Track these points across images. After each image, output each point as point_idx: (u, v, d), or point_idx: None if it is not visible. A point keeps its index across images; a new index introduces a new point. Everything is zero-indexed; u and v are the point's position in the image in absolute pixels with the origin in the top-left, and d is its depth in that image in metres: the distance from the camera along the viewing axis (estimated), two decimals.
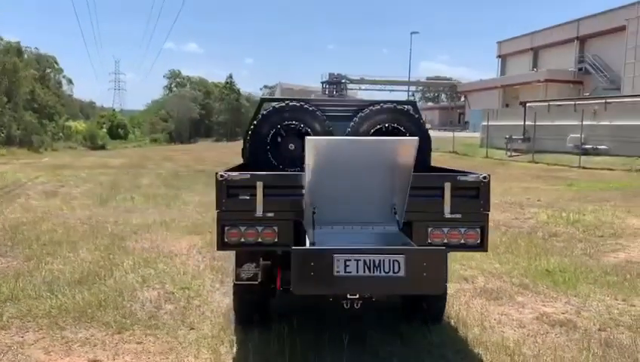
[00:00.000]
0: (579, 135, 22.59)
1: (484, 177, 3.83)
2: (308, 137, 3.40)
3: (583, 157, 21.75)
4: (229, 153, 44.83)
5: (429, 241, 3.78)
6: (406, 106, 5.26)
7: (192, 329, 4.86)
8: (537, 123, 24.96)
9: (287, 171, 4.90)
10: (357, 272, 2.87)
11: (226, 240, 3.82)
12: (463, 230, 3.80)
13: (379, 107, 5.20)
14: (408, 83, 59.83)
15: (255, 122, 5.19)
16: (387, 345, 4.45)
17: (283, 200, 3.81)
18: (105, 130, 66.63)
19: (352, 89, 64.44)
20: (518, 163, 24.84)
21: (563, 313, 5.31)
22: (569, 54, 47.68)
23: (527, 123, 25.62)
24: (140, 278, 6.30)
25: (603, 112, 22.65)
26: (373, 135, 5.15)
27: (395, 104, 5.24)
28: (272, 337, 4.45)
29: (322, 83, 64.07)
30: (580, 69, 46.59)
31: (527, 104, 27.58)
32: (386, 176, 3.50)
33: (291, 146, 5.20)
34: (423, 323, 4.80)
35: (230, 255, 7.46)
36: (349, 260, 2.88)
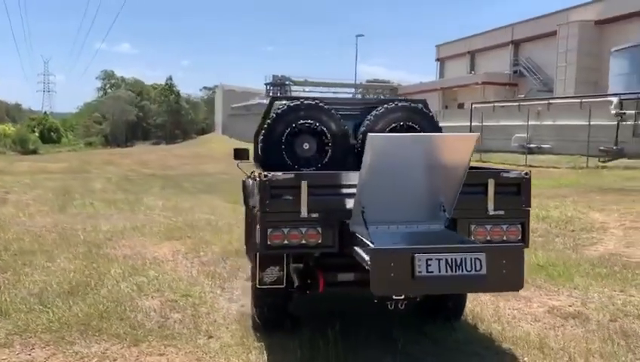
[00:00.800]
0: (524, 135, 23.51)
1: (526, 173, 3.87)
2: (370, 134, 3.30)
3: (529, 156, 22.65)
4: (170, 156, 43.96)
5: (473, 239, 3.77)
6: (419, 104, 5.26)
7: (211, 337, 4.65)
8: (484, 123, 25.79)
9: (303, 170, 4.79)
10: (439, 272, 2.81)
11: (269, 242, 3.66)
12: (505, 226, 3.82)
13: (394, 105, 5.17)
14: (355, 85, 60.43)
15: (269, 121, 5.03)
16: (416, 344, 4.41)
17: (328, 200, 3.69)
18: (37, 133, 63.40)
19: (296, 91, 64.29)
20: None
21: (570, 306, 5.45)
22: (504, 57, 49.54)
23: (473, 123, 26.41)
24: (134, 287, 5.98)
25: (546, 112, 23.71)
26: (387, 133, 5.11)
27: (409, 102, 5.22)
28: (298, 341, 4.32)
29: (266, 85, 63.58)
30: (515, 72, 48.47)
31: (473, 105, 28.47)
32: (437, 173, 3.46)
33: (306, 146, 5.09)
34: (445, 321, 4.81)
35: (219, 259, 7.36)
36: (431, 259, 2.80)
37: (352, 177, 3.80)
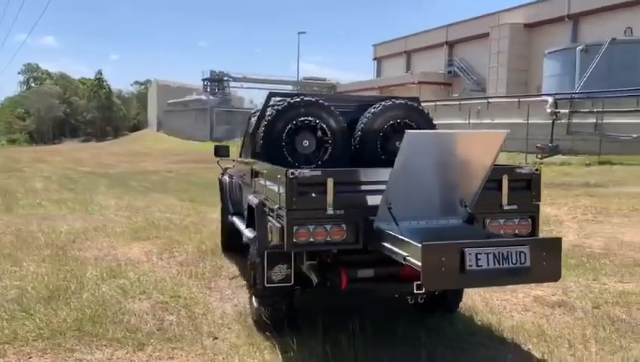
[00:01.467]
0: None
1: (537, 169, 4.03)
2: (408, 131, 3.32)
3: None
4: (104, 154, 42.45)
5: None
6: (415, 102, 5.35)
7: (216, 338, 4.55)
8: None
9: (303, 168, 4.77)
10: (487, 265, 2.88)
11: (295, 240, 3.62)
12: (517, 221, 3.96)
13: (391, 103, 5.23)
14: (297, 82, 60.33)
15: (269, 117, 4.95)
16: (422, 337, 4.48)
17: (353, 197, 3.70)
18: None
19: (234, 87, 63.57)
20: None
21: (553, 295, 5.72)
22: (439, 58, 51.11)
23: None
24: (117, 289, 5.74)
25: (485, 111, 24.67)
26: (385, 130, 5.17)
27: (405, 100, 5.30)
28: (306, 338, 4.31)
29: (203, 80, 62.36)
30: (450, 72, 50.12)
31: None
32: (464, 168, 3.54)
33: (305, 143, 5.05)
34: (443, 314, 4.93)
35: (196, 259, 7.18)
36: (480, 253, 2.87)
37: (376, 174, 3.82)
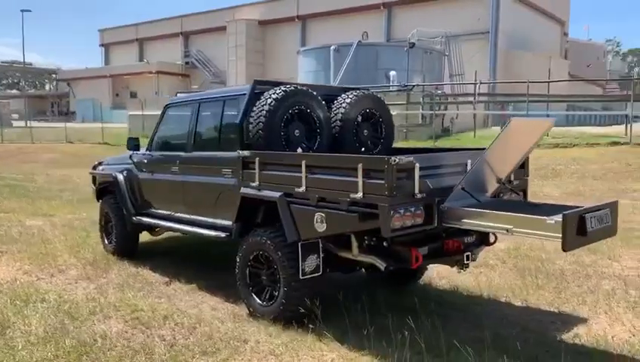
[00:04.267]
0: None
1: None
2: (514, 118, 3.72)
3: None
4: None
5: None
6: (377, 94, 5.75)
7: (246, 342, 4.28)
8: None
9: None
10: (596, 226, 3.55)
11: (392, 226, 3.74)
12: (513, 195, 4.76)
13: (362, 93, 5.53)
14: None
15: (268, 106, 4.77)
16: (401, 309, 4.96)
17: (431, 181, 3.97)
18: None
19: None
20: None
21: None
22: (175, 48, 50.48)
23: None
24: (62, 315, 4.78)
25: None
26: (357, 119, 5.47)
27: (371, 92, 5.66)
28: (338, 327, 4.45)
29: None
30: (187, 63, 49.99)
31: (178, 94, 28.41)
32: (518, 151, 4.12)
33: (297, 132, 5.03)
34: (405, 286, 5.56)
35: (97, 268, 6.22)
36: (593, 218, 3.51)
37: (451, 157, 4.18)
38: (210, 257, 7.00)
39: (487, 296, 5.38)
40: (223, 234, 5.19)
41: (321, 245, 4.45)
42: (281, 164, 4.54)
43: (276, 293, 4.59)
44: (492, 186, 4.35)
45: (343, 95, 5.52)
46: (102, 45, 57.50)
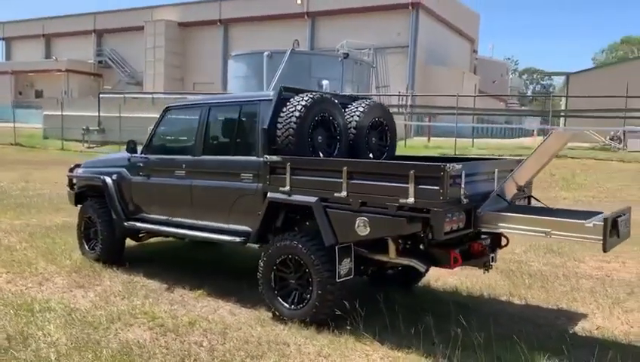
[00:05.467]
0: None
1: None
2: (558, 129, 4.05)
3: None
4: None
5: None
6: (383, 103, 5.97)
7: (287, 344, 4.32)
8: (111, 114, 25.09)
9: None
10: (623, 229, 3.96)
11: (444, 229, 3.96)
12: (523, 200, 5.16)
13: (372, 103, 5.73)
14: None
15: (297, 113, 4.83)
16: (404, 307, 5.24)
17: (470, 187, 4.23)
18: None
19: None
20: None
21: None
22: (87, 46, 48.04)
23: (102, 114, 25.36)
24: (85, 328, 4.56)
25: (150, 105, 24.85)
26: (369, 127, 5.66)
27: (379, 101, 5.87)
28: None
29: None
30: (101, 62, 47.75)
31: (101, 95, 27.14)
32: (541, 161, 4.47)
33: (319, 138, 5.13)
34: (404, 287, 5.83)
35: (84, 276, 5.93)
36: (622, 221, 3.92)
37: (485, 166, 4.47)
38: (200, 262, 6.90)
39: (487, 296, 5.75)
40: (238, 239, 5.18)
41: (353, 249, 4.60)
42: (317, 170, 4.63)
43: (307, 296, 4.65)
44: (512, 192, 4.69)
45: (354, 103, 5.69)
46: (2, 39, 53.53)
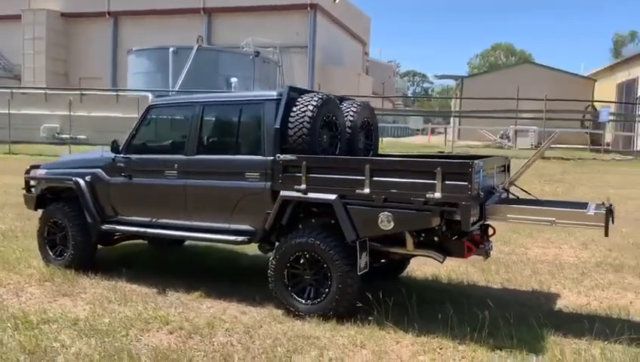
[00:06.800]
0: (55, 125, 22.69)
1: (506, 157, 5.79)
2: (558, 130, 4.48)
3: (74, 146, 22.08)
4: None
5: None
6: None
7: (318, 338, 4.43)
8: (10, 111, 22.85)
9: None
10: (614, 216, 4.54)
11: (470, 221, 4.31)
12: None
13: (362, 104, 5.95)
14: None
15: (309, 113, 4.93)
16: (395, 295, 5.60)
17: (483, 182, 4.61)
18: None
19: None
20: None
21: None
22: None
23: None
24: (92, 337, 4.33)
25: (79, 104, 23.27)
26: (360, 127, 5.89)
27: (367, 102, 6.11)
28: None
29: None
30: None
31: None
32: (534, 158, 4.95)
33: (325, 137, 5.27)
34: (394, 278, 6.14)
35: (65, 280, 5.55)
36: (613, 211, 4.49)
37: (492, 162, 4.86)
38: (173, 264, 6.72)
39: (467, 282, 6.21)
40: (241, 239, 5.18)
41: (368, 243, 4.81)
42: (335, 168, 4.77)
43: (325, 290, 4.78)
44: (508, 187, 5.17)
45: (344, 103, 5.87)
46: None
